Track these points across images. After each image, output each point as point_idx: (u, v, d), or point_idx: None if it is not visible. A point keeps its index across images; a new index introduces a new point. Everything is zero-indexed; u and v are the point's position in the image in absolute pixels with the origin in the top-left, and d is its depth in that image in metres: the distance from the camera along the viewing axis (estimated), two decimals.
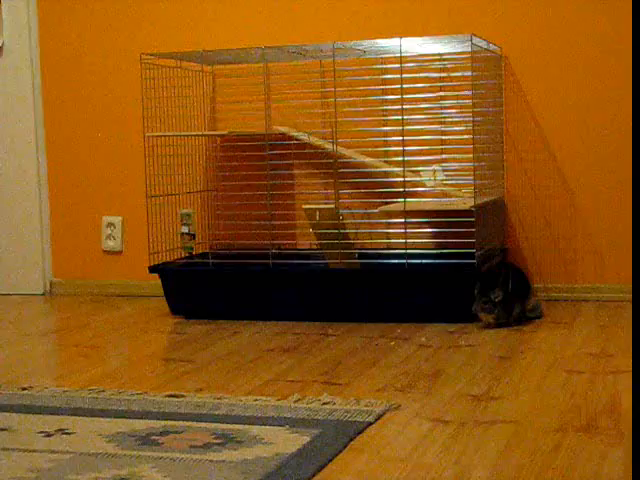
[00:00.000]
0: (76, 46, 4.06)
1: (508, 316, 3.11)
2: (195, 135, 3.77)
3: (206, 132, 3.80)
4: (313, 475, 1.77)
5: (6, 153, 4.18)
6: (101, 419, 2.15)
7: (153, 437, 2.00)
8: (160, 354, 2.97)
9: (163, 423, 2.10)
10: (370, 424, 2.06)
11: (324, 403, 2.23)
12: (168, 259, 3.60)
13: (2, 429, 2.09)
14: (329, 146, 3.52)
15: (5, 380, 2.58)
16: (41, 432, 2.06)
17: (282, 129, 3.66)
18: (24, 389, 2.45)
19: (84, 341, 3.15)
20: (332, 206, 3.42)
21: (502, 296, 3.08)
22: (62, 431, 2.06)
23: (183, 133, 3.70)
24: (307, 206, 3.44)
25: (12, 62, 4.13)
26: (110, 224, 4.08)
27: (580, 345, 2.82)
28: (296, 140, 3.64)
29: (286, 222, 3.63)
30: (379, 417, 2.11)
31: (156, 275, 3.53)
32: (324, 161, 3.56)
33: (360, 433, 2.00)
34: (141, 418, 2.15)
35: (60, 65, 4.09)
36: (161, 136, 3.58)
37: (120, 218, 4.07)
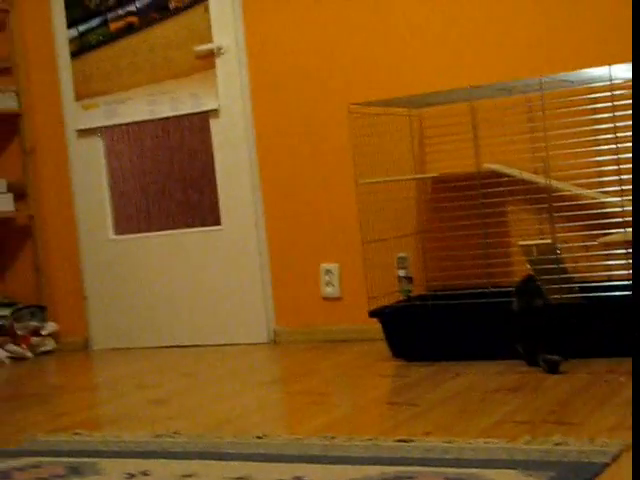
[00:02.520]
0: (286, 102, 4.21)
1: None
2: (406, 179, 3.82)
3: (417, 175, 3.84)
4: None
5: (227, 209, 4.37)
6: (334, 466, 2.20)
7: None
8: (385, 398, 3.01)
9: (395, 469, 2.12)
10: (607, 465, 2.00)
11: (557, 444, 2.18)
12: (386, 303, 3.64)
13: (240, 478, 2.17)
14: (541, 180, 3.47)
15: (239, 429, 2.68)
16: None
17: (493, 167, 3.64)
18: (258, 437, 2.54)
19: (311, 388, 3.22)
20: (549, 241, 3.36)
21: None
22: (299, 479, 2.12)
23: (394, 178, 3.75)
24: (523, 242, 3.40)
25: (228, 123, 4.32)
26: (328, 271, 4.18)
27: None
28: (507, 177, 3.62)
29: (502, 260, 3.60)
30: (615, 457, 2.05)
31: (375, 319, 3.58)
32: (537, 196, 3.51)
33: (597, 475, 1.95)
34: (372, 464, 2.18)
35: (272, 121, 4.24)
36: (373, 183, 3.64)
37: (337, 265, 4.16)
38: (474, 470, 2.05)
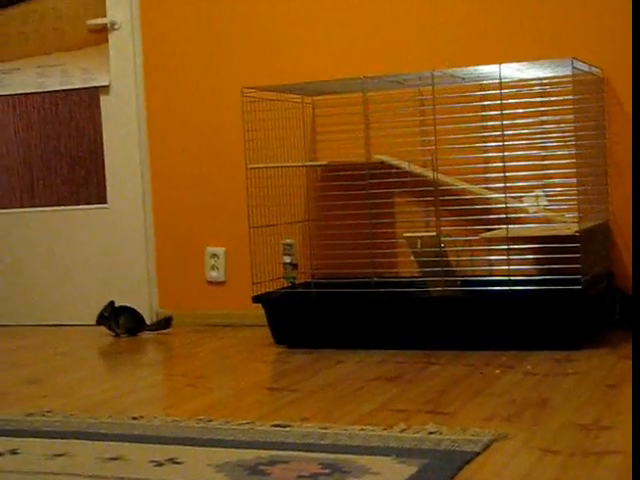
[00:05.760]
0: (179, 82, 4.16)
1: None
2: (296, 166, 3.81)
3: (306, 163, 3.84)
4: None
5: (114, 188, 4.30)
6: (210, 449, 2.18)
7: (261, 467, 2.02)
8: (265, 383, 3.00)
9: (270, 453, 2.12)
10: (477, 454, 2.04)
11: (430, 432, 2.21)
12: (271, 289, 3.64)
13: (114, 458, 2.14)
14: (429, 174, 3.52)
15: (116, 410, 2.64)
16: (152, 461, 2.10)
17: (382, 158, 3.67)
18: (134, 418, 2.50)
19: (191, 371, 3.20)
20: (433, 234, 3.41)
21: None
22: (172, 460, 2.10)
23: (284, 164, 3.75)
24: (408, 234, 3.43)
25: (119, 100, 4.24)
26: (214, 255, 4.15)
27: None
28: (396, 168, 3.65)
29: (387, 251, 3.64)
30: (486, 447, 2.09)
31: (259, 305, 3.57)
32: (424, 189, 3.55)
33: (468, 463, 1.98)
34: (248, 448, 2.17)
35: (164, 101, 4.19)
36: (263, 168, 3.63)
37: (223, 249, 4.14)
38: (349, 456, 2.06)
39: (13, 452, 2.22)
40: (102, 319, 3.98)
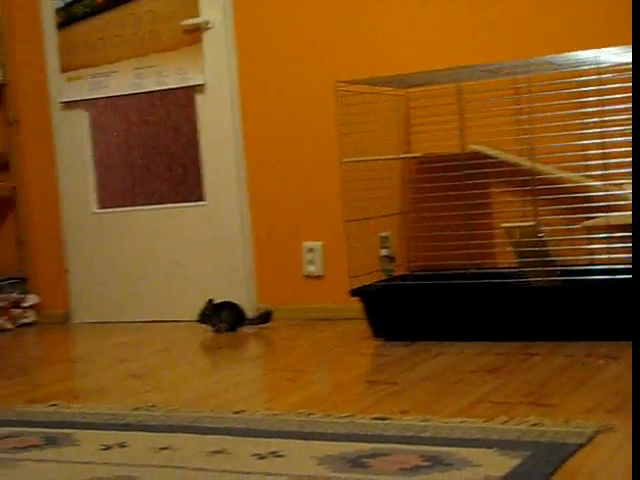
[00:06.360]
0: (273, 78, 4.20)
1: None
2: (391, 159, 3.81)
3: (401, 155, 3.83)
4: None
5: (211, 185, 4.36)
6: (311, 442, 2.20)
7: (362, 459, 2.03)
8: (364, 376, 3.01)
9: (371, 446, 2.13)
10: (582, 446, 2.01)
11: (533, 424, 2.19)
12: (368, 282, 3.64)
13: (217, 452, 2.17)
14: (526, 163, 3.47)
15: (218, 404, 2.68)
16: (255, 455, 2.13)
17: (477, 148, 3.64)
18: (236, 412, 2.54)
19: (290, 365, 3.23)
20: (532, 223, 3.36)
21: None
22: (274, 454, 2.12)
23: (378, 157, 3.74)
24: (506, 224, 3.40)
25: (214, 98, 4.30)
26: (310, 249, 4.18)
27: None
28: (492, 158, 3.61)
29: (485, 241, 3.61)
30: (591, 439, 2.06)
31: (357, 298, 3.58)
32: (521, 178, 3.51)
33: (572, 455, 1.96)
34: (349, 441, 2.18)
35: (258, 97, 4.23)
36: (357, 161, 3.64)
37: (320, 243, 4.16)
38: (450, 449, 2.06)
39: (121, 445, 2.28)
40: (204, 317, 4.04)
